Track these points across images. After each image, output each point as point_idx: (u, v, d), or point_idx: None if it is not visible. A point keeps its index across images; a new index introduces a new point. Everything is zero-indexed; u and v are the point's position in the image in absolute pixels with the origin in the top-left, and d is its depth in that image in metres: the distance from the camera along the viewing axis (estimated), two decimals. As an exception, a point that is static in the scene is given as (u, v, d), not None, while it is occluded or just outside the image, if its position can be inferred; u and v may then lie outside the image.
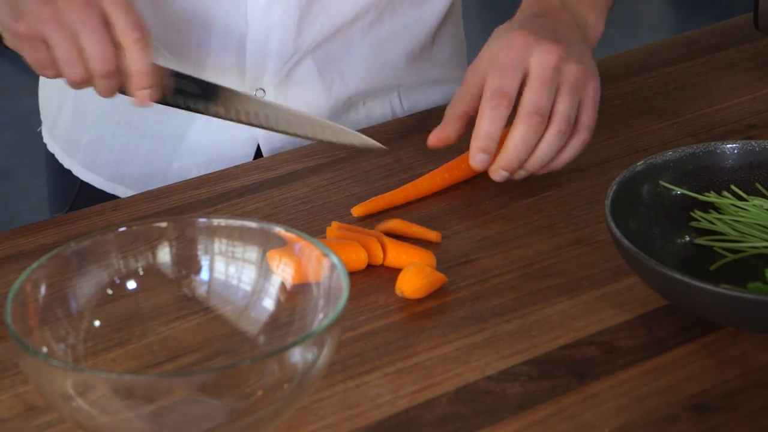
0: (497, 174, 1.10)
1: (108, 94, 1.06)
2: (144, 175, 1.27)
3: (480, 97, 1.09)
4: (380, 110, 1.30)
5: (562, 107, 1.08)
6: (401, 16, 1.27)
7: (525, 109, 1.07)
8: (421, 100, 1.32)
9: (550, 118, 1.08)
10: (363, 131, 1.24)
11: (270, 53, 1.22)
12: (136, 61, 1.04)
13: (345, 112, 1.28)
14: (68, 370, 0.80)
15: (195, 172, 1.26)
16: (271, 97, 1.24)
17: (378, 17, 1.25)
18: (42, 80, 1.36)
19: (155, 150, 1.27)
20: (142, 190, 1.26)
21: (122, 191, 1.29)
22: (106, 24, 1.03)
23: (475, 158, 1.09)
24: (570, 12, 1.14)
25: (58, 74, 1.04)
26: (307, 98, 1.25)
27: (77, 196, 1.32)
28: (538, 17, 1.13)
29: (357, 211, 1.09)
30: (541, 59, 1.08)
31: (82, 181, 1.31)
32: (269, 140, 1.26)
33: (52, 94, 1.33)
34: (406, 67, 1.29)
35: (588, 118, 1.10)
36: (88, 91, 1.24)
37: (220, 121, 1.23)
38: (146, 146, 1.27)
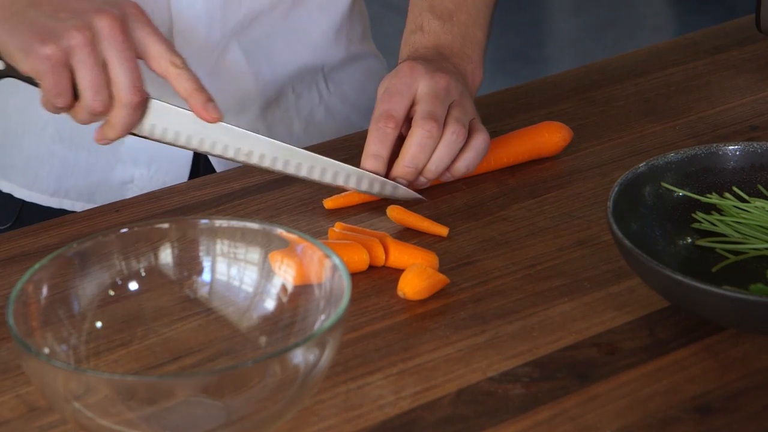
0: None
1: (127, 127, 1.04)
2: (88, 185, 1.27)
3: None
4: (308, 95, 1.32)
5: (456, 114, 1.10)
6: None
7: (419, 116, 1.08)
8: (345, 80, 1.34)
9: (444, 125, 1.09)
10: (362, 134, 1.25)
11: (198, 43, 1.23)
12: (185, 84, 1.04)
13: (276, 102, 1.30)
14: (70, 371, 0.80)
15: (138, 175, 1.26)
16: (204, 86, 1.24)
17: (294, 1, 1.27)
18: None
19: (94, 159, 1.26)
20: (90, 201, 1.26)
21: (69, 204, 1.28)
22: (137, 55, 1.03)
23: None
24: (448, 62, 1.16)
25: (68, 104, 1.02)
26: (237, 86, 1.26)
27: (19, 216, 1.31)
28: (422, 60, 1.15)
29: (328, 203, 1.10)
30: (429, 83, 1.10)
31: (24, 201, 1.30)
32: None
33: None
34: (327, 46, 1.32)
35: (481, 126, 1.11)
36: (15, 114, 1.24)
37: None
38: (84, 156, 1.26)
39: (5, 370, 0.92)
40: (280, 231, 0.89)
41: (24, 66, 1.01)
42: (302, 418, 0.87)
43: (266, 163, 1.09)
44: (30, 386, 0.91)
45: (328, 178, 1.10)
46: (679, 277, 0.89)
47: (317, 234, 1.07)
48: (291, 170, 1.09)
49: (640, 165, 1.02)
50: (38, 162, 1.27)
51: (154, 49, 1.03)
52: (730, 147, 1.04)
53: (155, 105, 1.06)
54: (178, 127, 1.07)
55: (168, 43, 1.04)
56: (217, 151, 1.08)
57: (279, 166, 1.09)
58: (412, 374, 0.91)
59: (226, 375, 0.79)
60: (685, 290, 0.90)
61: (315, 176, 1.10)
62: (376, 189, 1.10)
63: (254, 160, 1.08)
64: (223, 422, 0.80)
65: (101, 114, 1.03)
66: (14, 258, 1.06)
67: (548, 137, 1.16)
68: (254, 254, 0.90)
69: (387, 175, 1.10)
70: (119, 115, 1.03)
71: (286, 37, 1.28)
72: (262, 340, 0.89)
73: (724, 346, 0.93)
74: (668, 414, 0.87)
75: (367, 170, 1.09)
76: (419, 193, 1.11)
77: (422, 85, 1.10)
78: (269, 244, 0.90)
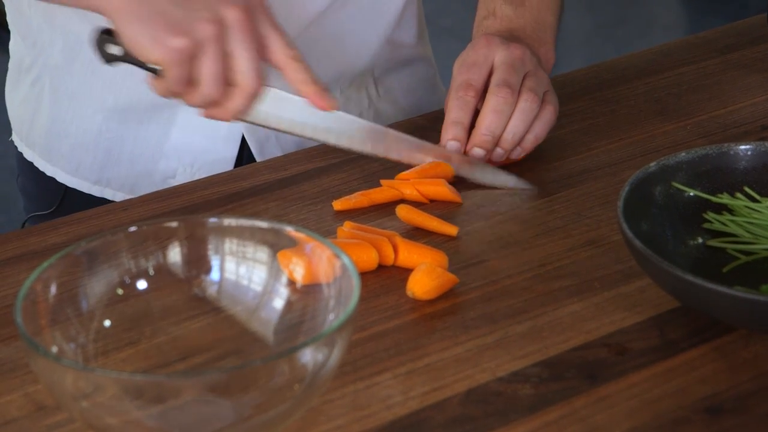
0: (473, 153, 1.13)
1: (242, 114, 1.05)
2: (130, 176, 1.28)
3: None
4: (356, 97, 1.32)
5: (529, 84, 1.14)
6: None
7: (494, 83, 1.13)
8: (395, 85, 1.35)
9: (518, 94, 1.13)
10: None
11: None
12: (301, 75, 1.04)
13: None
14: (78, 370, 0.80)
15: (181, 171, 1.26)
16: None
17: (348, 2, 1.27)
18: (9, 89, 1.35)
19: (139, 152, 1.27)
20: (131, 192, 1.27)
21: (111, 194, 1.29)
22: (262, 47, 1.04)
23: (447, 146, 1.13)
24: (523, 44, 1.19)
25: (187, 91, 1.02)
26: (287, 90, 1.26)
27: (62, 201, 1.32)
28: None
29: (338, 205, 1.10)
30: (505, 53, 1.14)
31: (67, 187, 1.31)
32: (254, 131, 1.26)
33: (23, 104, 1.32)
34: (378, 49, 1.32)
35: (552, 98, 1.16)
36: (66, 99, 1.25)
37: (202, 118, 1.25)
38: (129, 149, 1.27)
39: (13, 369, 0.92)
40: (289, 230, 0.89)
41: (151, 55, 1.00)
42: (311, 417, 0.87)
43: (379, 153, 1.13)
44: (38, 385, 0.90)
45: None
46: (690, 278, 0.89)
47: (326, 233, 1.07)
48: (404, 159, 1.13)
49: (651, 165, 1.01)
50: (84, 150, 1.28)
51: (276, 43, 1.04)
52: (742, 147, 1.04)
53: (268, 92, 1.07)
54: (289, 114, 1.09)
55: (287, 36, 1.05)
56: (331, 140, 1.11)
57: (393, 156, 1.13)
58: (420, 374, 0.91)
59: (235, 374, 0.79)
60: (695, 291, 0.89)
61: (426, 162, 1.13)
62: (488, 179, 1.13)
63: (368, 149, 1.13)
64: (231, 421, 0.80)
65: (208, 104, 1.04)
66: (22, 256, 1.06)
67: None
68: (263, 253, 0.90)
69: (466, 146, 1.14)
70: (238, 102, 1.03)
71: (337, 39, 1.28)
72: (271, 339, 0.89)
73: (734, 347, 0.92)
74: (678, 415, 0.87)
75: (449, 138, 1.13)
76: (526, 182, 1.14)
77: (498, 56, 1.14)
78: (278, 243, 0.89)
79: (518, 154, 1.14)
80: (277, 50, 1.04)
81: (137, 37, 1.00)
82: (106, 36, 1.04)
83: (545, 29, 1.22)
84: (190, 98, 1.03)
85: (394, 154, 1.14)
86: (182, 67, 1.00)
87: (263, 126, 1.11)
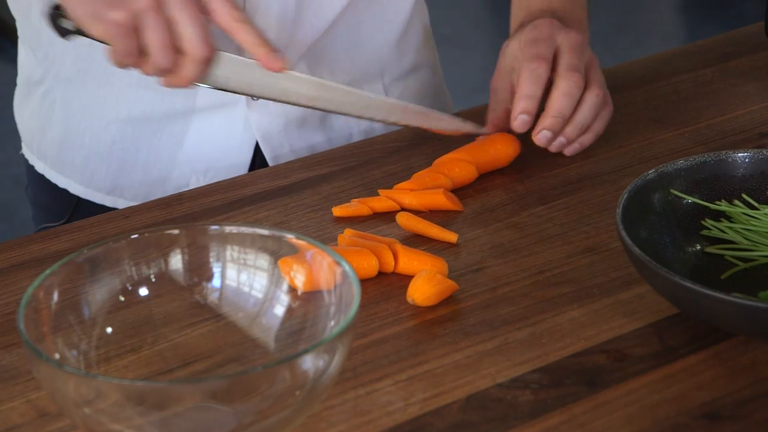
0: (540, 135, 1.13)
1: (195, 79, 1.05)
2: (143, 186, 1.28)
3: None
4: None
5: (597, 78, 1.15)
6: (379, 5, 1.29)
7: (563, 67, 1.13)
8: (405, 91, 1.35)
9: (587, 86, 1.13)
10: (375, 139, 1.25)
11: None
12: (249, 36, 1.04)
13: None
14: (80, 376, 0.80)
15: (194, 180, 1.26)
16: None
17: (358, 9, 1.27)
18: (18, 103, 1.35)
19: (152, 161, 1.27)
20: (144, 202, 1.26)
21: (123, 204, 1.29)
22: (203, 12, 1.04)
23: (517, 120, 1.13)
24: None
25: (136, 62, 1.03)
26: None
27: (74, 212, 1.32)
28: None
29: (337, 211, 1.10)
30: (567, 37, 1.15)
31: (79, 198, 1.31)
32: (269, 138, 1.26)
33: (33, 117, 1.32)
34: (388, 54, 1.32)
35: (608, 96, 1.16)
36: (79, 111, 1.24)
37: (216, 127, 1.24)
38: (143, 159, 1.27)
39: (16, 376, 0.93)
40: (290, 237, 0.89)
41: (95, 31, 1.02)
42: (311, 424, 0.87)
43: (332, 107, 1.11)
44: (40, 391, 0.91)
45: (392, 119, 1.13)
46: (689, 284, 0.89)
47: (327, 240, 1.07)
48: (353, 112, 1.12)
49: (650, 172, 1.02)
50: (97, 160, 1.28)
51: (220, 6, 1.04)
52: (740, 154, 1.04)
53: (221, 56, 1.07)
54: (242, 76, 1.08)
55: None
56: (282, 97, 1.09)
57: (345, 110, 1.11)
58: (421, 380, 0.91)
59: (236, 381, 0.79)
60: (694, 297, 0.90)
61: (378, 117, 1.12)
62: (424, 122, 1.14)
63: (320, 105, 1.10)
64: (232, 428, 0.80)
65: (165, 72, 1.04)
66: (25, 264, 1.06)
67: (501, 149, 1.16)
68: (264, 260, 0.90)
69: (534, 126, 1.13)
70: (189, 68, 1.04)
71: (349, 46, 1.29)
72: (272, 346, 0.89)
73: (733, 353, 0.92)
74: (677, 421, 0.87)
75: (519, 111, 1.12)
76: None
77: (561, 38, 1.15)
78: (279, 251, 0.90)
79: (574, 150, 1.15)
80: (223, 13, 1.04)
81: (79, 13, 1.02)
82: (60, 11, 1.05)
83: (581, 9, 1.24)
84: (143, 68, 1.04)
85: (354, 112, 1.12)
86: (126, 40, 1.01)
87: (226, 90, 1.08)
